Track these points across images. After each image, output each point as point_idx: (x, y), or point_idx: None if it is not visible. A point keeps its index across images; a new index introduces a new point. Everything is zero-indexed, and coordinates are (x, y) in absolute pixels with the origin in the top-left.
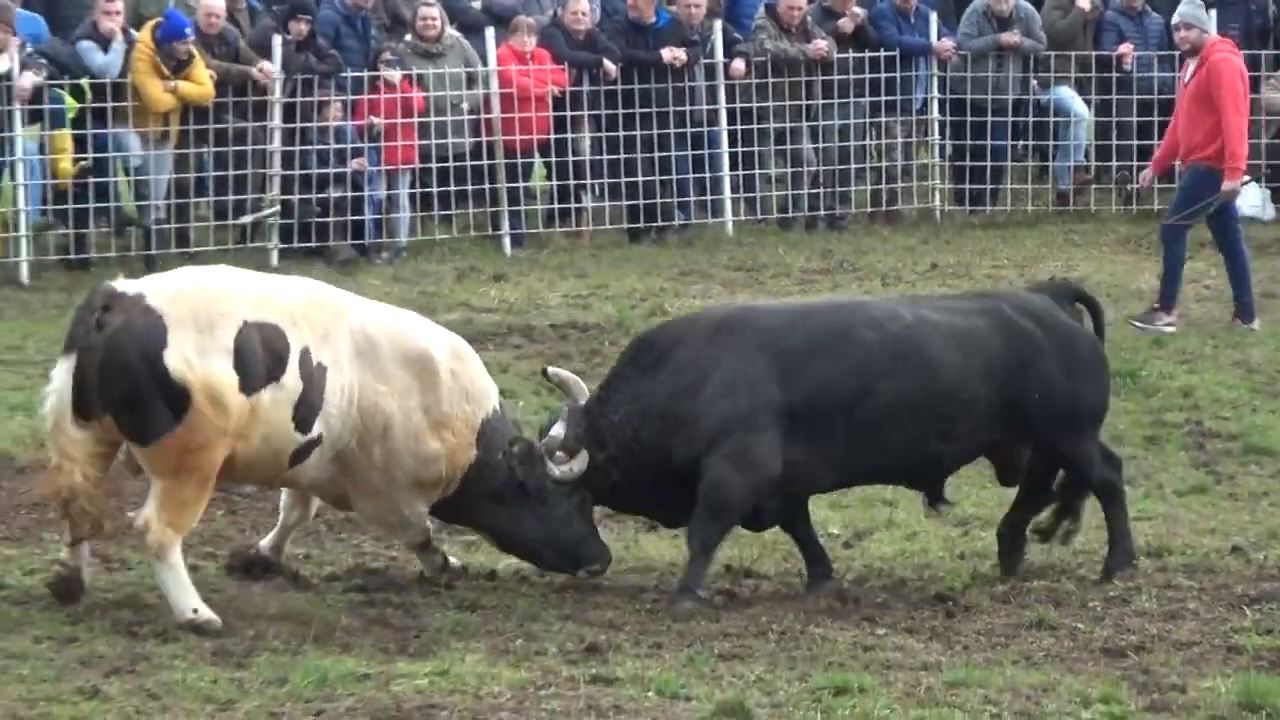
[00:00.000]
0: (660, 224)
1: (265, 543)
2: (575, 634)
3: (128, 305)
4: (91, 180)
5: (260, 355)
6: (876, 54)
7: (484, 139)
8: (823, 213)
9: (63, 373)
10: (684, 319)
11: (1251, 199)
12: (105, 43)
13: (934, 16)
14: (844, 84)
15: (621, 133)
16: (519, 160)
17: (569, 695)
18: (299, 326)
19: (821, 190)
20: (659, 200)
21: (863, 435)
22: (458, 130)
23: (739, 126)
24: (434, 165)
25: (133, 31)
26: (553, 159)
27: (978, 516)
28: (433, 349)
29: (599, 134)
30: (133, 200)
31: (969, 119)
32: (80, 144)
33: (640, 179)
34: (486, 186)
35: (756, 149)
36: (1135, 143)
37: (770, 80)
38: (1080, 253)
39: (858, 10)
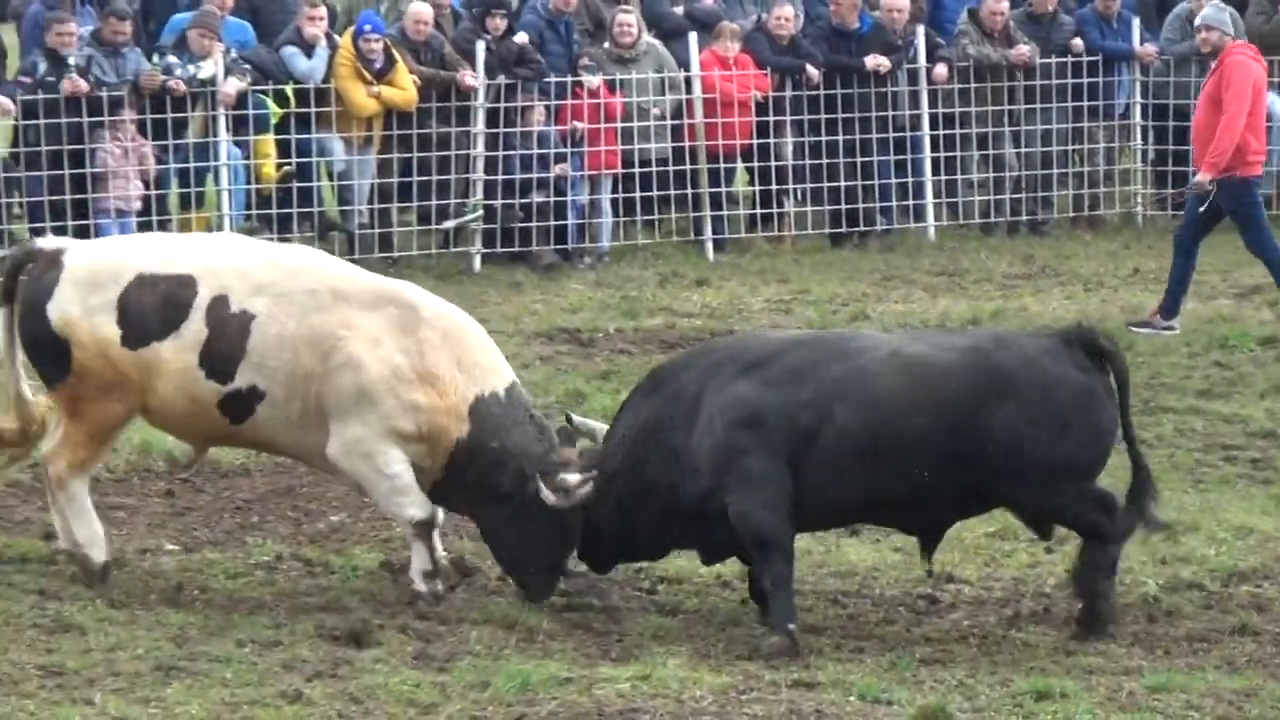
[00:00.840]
0: (862, 229)
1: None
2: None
3: (43, 260)
4: (295, 185)
5: (154, 309)
6: (1079, 59)
7: (686, 144)
8: (1024, 217)
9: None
10: (691, 350)
11: None
12: (309, 48)
13: (1136, 21)
14: (1046, 89)
15: (824, 137)
16: (721, 165)
17: (771, 700)
18: (218, 278)
19: (1024, 195)
20: (861, 205)
21: (826, 470)
22: (659, 135)
23: (941, 131)
24: (636, 170)
25: (336, 36)
26: (755, 164)
27: (1180, 520)
28: (415, 301)
29: (801, 139)
30: (336, 205)
31: (1171, 123)
32: (284, 149)
33: (842, 184)
34: (689, 191)
35: (959, 154)
36: None
37: (972, 85)
38: None
39: (1065, 17)
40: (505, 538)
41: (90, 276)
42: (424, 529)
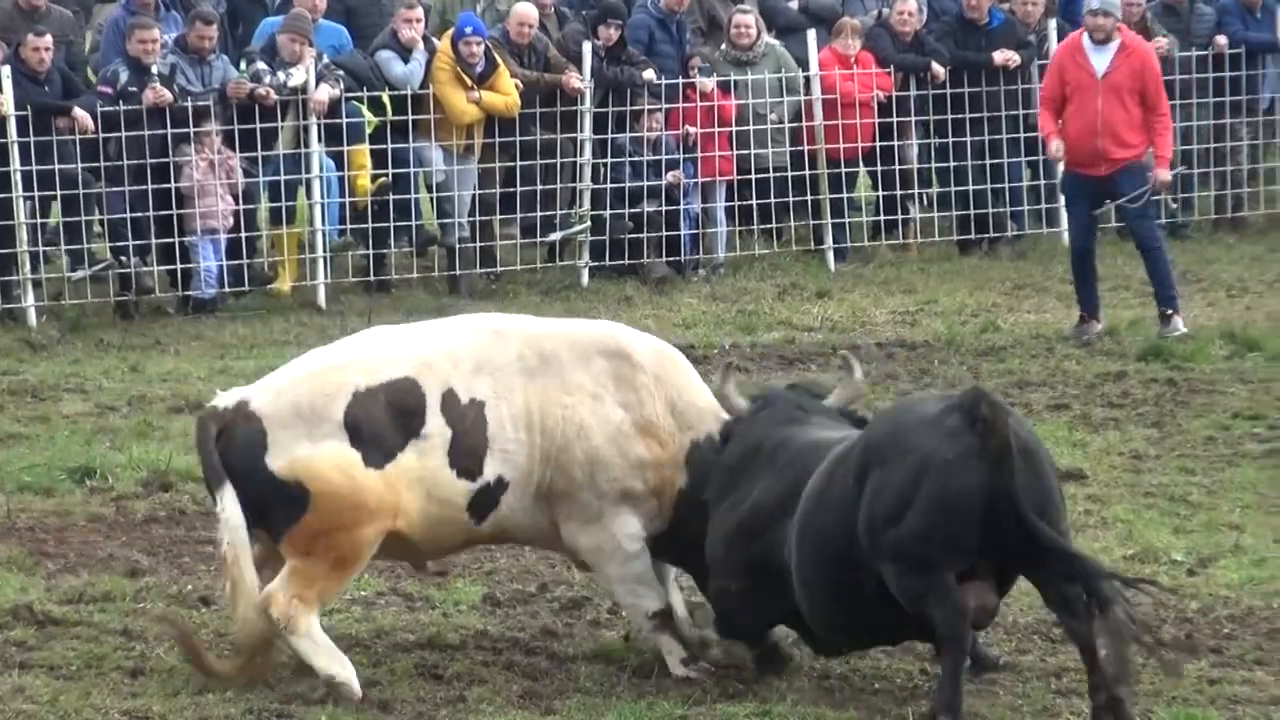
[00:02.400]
0: (992, 235)
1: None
2: (900, 668)
3: (230, 418)
4: (391, 197)
5: (385, 420)
6: (1221, 51)
7: (805, 148)
8: (1164, 220)
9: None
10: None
11: None
12: (405, 53)
13: None
14: (1186, 83)
15: (951, 139)
16: (842, 170)
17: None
18: (435, 370)
19: (1163, 197)
20: (991, 210)
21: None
22: (777, 140)
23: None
24: (753, 176)
25: (435, 40)
26: (878, 168)
27: None
28: (623, 347)
29: (927, 141)
30: (435, 218)
31: None
32: (380, 159)
33: (971, 188)
34: (808, 198)
35: None
36: None
37: None
38: None
39: (1205, 7)
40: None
41: (296, 411)
42: (663, 620)
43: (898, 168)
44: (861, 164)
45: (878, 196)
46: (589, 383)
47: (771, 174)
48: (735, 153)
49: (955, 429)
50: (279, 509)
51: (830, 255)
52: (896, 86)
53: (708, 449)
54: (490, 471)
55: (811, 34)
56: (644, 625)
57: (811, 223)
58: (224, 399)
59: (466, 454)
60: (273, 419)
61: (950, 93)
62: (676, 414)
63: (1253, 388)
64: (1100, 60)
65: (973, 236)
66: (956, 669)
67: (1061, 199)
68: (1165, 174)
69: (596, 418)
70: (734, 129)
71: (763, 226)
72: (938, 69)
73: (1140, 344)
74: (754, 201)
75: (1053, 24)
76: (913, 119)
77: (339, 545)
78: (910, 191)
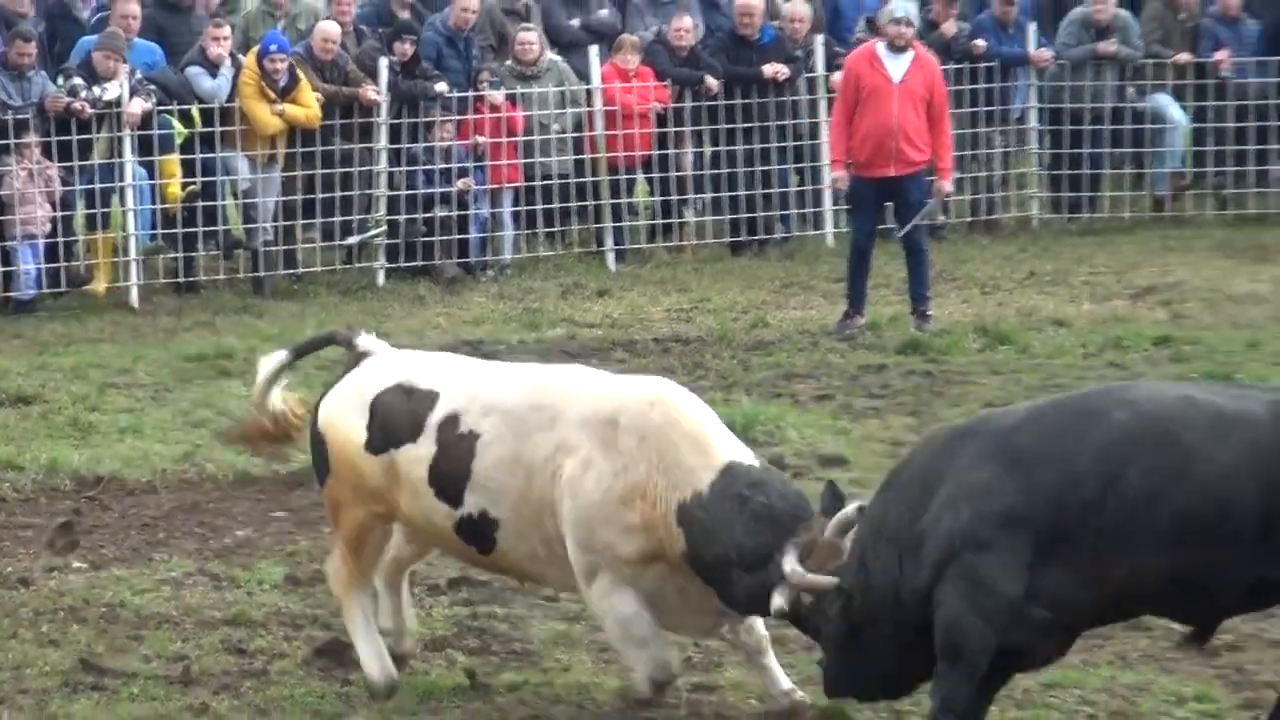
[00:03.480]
0: (761, 237)
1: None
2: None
3: (351, 356)
4: (200, 204)
5: (401, 418)
6: (976, 64)
7: (587, 156)
8: (924, 222)
9: None
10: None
11: None
12: (213, 68)
13: (1032, 27)
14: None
15: (723, 147)
16: (622, 177)
17: (670, 703)
18: (456, 395)
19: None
20: (760, 214)
21: None
22: (561, 149)
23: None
24: (538, 183)
25: (240, 56)
26: (655, 175)
27: None
28: (619, 408)
29: (701, 149)
30: (241, 223)
31: (1067, 127)
32: (189, 168)
33: (742, 193)
34: (590, 203)
35: None
36: (1231, 148)
37: None
38: (1176, 258)
39: (960, 24)
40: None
41: (359, 383)
42: (655, 691)
43: (674, 174)
44: (640, 171)
45: (655, 202)
46: (585, 443)
47: (555, 181)
48: (521, 161)
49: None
50: (319, 459)
51: (610, 257)
52: (673, 98)
53: (695, 508)
54: (473, 505)
55: (593, 49)
56: (641, 691)
57: (593, 226)
58: (367, 341)
59: (446, 477)
60: (350, 381)
61: (723, 104)
62: (663, 472)
63: (1004, 378)
64: (896, 67)
65: (743, 239)
66: None
67: (826, 202)
68: (947, 185)
69: (589, 477)
70: (520, 139)
71: (547, 230)
72: (711, 82)
73: (899, 338)
74: (539, 206)
75: (819, 39)
76: (688, 129)
77: (345, 522)
78: (685, 197)
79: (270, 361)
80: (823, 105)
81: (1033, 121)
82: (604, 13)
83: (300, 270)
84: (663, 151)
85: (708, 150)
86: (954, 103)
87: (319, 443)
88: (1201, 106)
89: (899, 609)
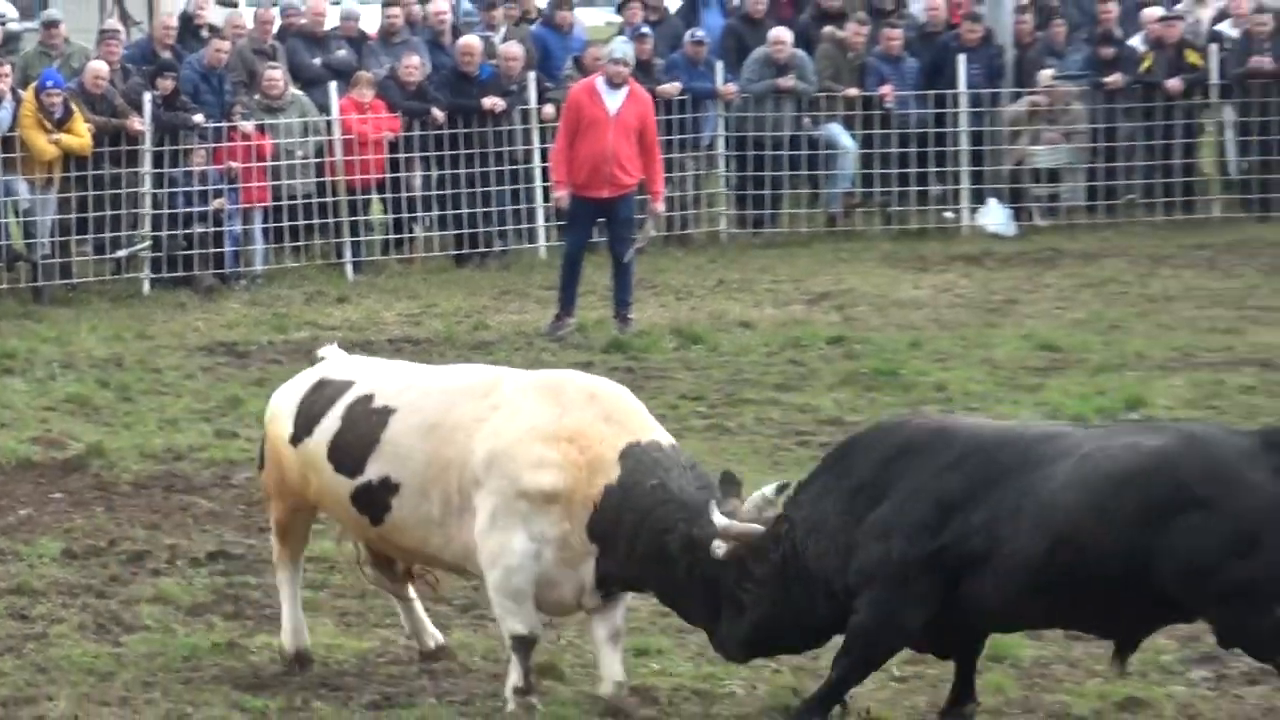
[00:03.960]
0: (482, 250)
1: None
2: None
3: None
4: None
5: (318, 409)
6: (670, 98)
7: (328, 179)
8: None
9: None
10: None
11: (996, 217)
12: None
13: (720, 64)
14: None
15: (448, 171)
16: (359, 197)
17: (406, 661)
18: (372, 381)
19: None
20: (481, 229)
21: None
22: (304, 172)
23: (549, 163)
24: (285, 203)
25: (20, 91)
26: (388, 195)
27: None
28: (568, 376)
29: (428, 173)
30: (21, 239)
31: (751, 152)
32: None
33: (465, 211)
34: (331, 220)
35: None
36: (895, 171)
37: None
38: (847, 268)
39: (659, 60)
40: (687, 598)
41: (299, 383)
42: (522, 645)
43: (404, 195)
44: (375, 192)
45: (388, 219)
46: (518, 400)
47: (300, 200)
48: (270, 183)
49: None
50: (260, 450)
51: (349, 268)
52: (403, 128)
53: (650, 449)
54: (376, 471)
55: (333, 85)
56: (506, 641)
57: (333, 240)
58: (326, 351)
59: (344, 450)
60: (292, 381)
61: (448, 133)
62: (612, 422)
63: (696, 374)
64: (613, 101)
65: (466, 251)
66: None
67: (539, 219)
68: (660, 206)
69: (510, 424)
70: (269, 163)
71: (293, 244)
72: (437, 113)
73: (604, 339)
74: (286, 223)
75: (531, 76)
76: (417, 154)
77: (274, 509)
78: (415, 215)
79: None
80: (535, 133)
81: (721, 147)
82: (342, 52)
83: (75, 280)
84: (394, 175)
85: (434, 174)
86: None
87: (263, 436)
88: (869, 134)
89: (824, 589)
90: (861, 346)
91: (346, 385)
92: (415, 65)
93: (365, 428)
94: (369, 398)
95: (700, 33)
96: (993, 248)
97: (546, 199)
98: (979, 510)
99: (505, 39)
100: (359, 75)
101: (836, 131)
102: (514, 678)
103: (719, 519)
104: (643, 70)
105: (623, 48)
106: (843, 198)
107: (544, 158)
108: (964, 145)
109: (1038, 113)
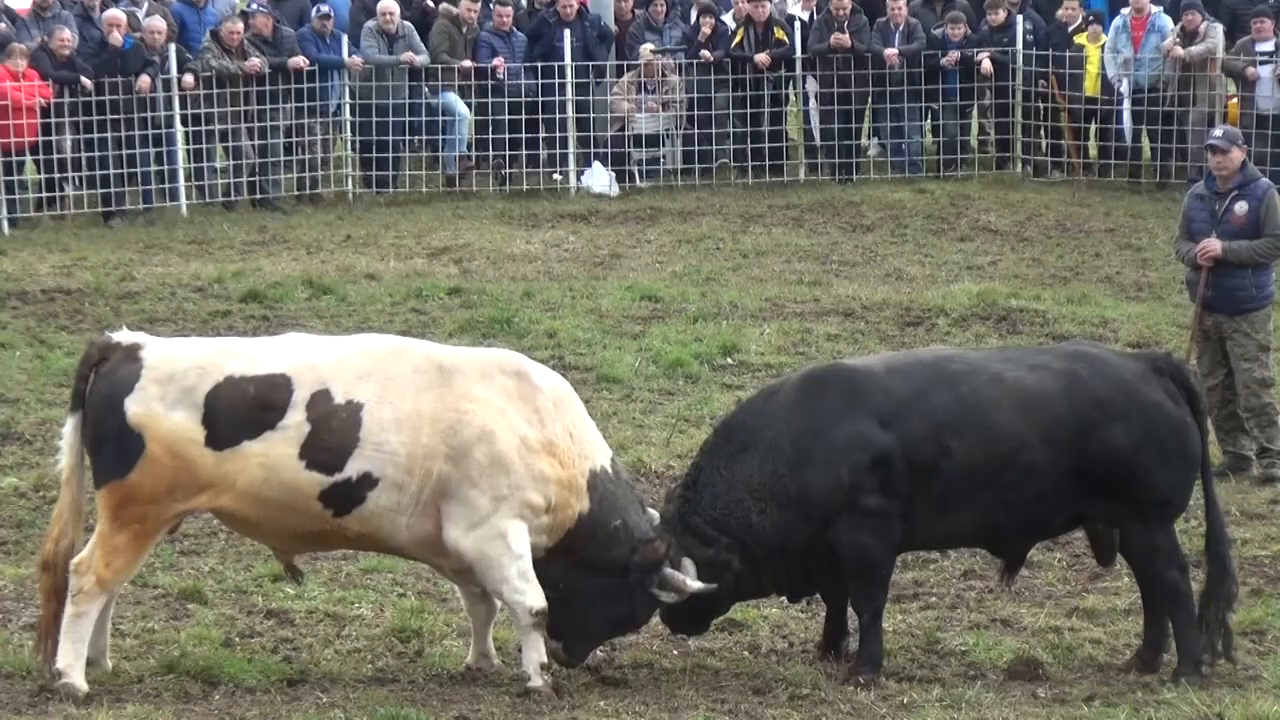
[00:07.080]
0: (128, 208)
1: (470, 660)
2: None
3: (119, 354)
4: None
5: (244, 408)
6: (300, 69)
7: None
8: (259, 195)
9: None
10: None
11: (600, 179)
12: None
13: (345, 37)
14: (275, 93)
15: (96, 135)
16: (14, 158)
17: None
18: (316, 371)
19: (258, 178)
20: (127, 188)
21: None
22: None
23: (190, 128)
24: None
25: None
26: (40, 157)
27: None
28: (527, 370)
29: (78, 136)
30: None
31: (374, 119)
32: None
33: (111, 171)
34: None
35: (204, 145)
36: (507, 136)
37: (215, 91)
38: (465, 225)
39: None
40: (578, 608)
41: (173, 373)
42: (542, 620)
43: (56, 156)
44: (28, 153)
45: (41, 179)
46: (493, 396)
47: None
48: None
49: (1173, 392)
50: (114, 453)
51: (4, 224)
52: (54, 95)
53: (605, 479)
54: (353, 468)
55: None
56: (525, 620)
57: None
58: (123, 335)
59: (323, 449)
60: (152, 369)
61: (95, 99)
62: (575, 440)
63: (326, 321)
64: None
65: (114, 209)
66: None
67: (180, 179)
68: None
69: (501, 426)
70: None
71: None
72: (86, 82)
73: (242, 289)
74: None
75: (173, 47)
76: (67, 119)
77: (145, 518)
78: (66, 175)
79: (69, 433)
80: (176, 100)
81: (346, 114)
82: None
83: None
84: (46, 138)
85: (83, 137)
86: (279, 99)
87: (127, 439)
88: (483, 102)
89: (782, 552)
90: (478, 297)
91: (280, 379)
92: (66, 38)
93: (340, 424)
94: (325, 395)
95: (325, 8)
96: (598, 207)
97: (187, 160)
98: (918, 421)
99: (148, 14)
100: (13, 46)
101: (453, 100)
102: (538, 654)
103: (673, 576)
104: (267, 43)
105: None
106: (460, 160)
107: (184, 123)
108: (570, 113)
109: (637, 83)
